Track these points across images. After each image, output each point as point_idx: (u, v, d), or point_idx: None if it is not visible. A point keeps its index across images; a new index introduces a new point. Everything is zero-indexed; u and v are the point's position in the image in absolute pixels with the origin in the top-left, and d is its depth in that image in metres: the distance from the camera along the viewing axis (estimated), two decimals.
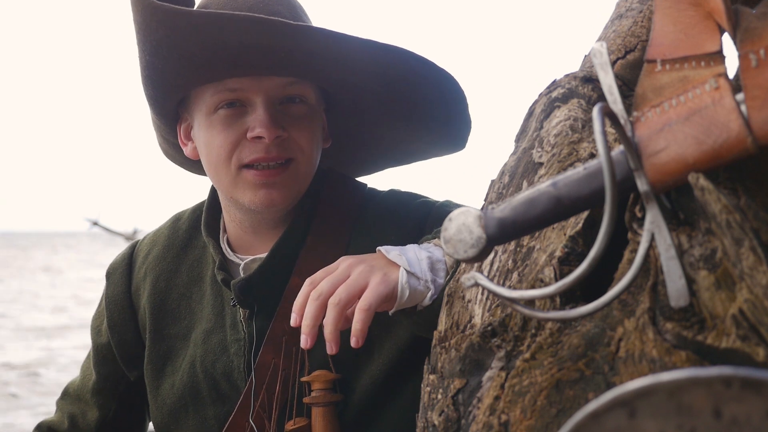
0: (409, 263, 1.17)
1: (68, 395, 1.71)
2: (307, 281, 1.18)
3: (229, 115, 1.35)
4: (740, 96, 0.71)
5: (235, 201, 1.41)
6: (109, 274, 1.64)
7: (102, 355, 1.63)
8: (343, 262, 1.18)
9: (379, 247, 1.21)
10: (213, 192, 1.55)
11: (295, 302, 1.17)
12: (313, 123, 1.40)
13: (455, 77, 1.37)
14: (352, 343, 1.12)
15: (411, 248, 1.22)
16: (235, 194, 1.39)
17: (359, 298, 1.13)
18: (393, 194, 1.55)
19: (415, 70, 1.35)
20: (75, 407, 1.68)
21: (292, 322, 1.17)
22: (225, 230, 1.52)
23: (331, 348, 1.14)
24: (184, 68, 1.31)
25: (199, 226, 1.55)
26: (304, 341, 1.15)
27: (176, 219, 1.64)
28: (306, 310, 1.15)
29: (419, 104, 1.44)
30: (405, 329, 1.36)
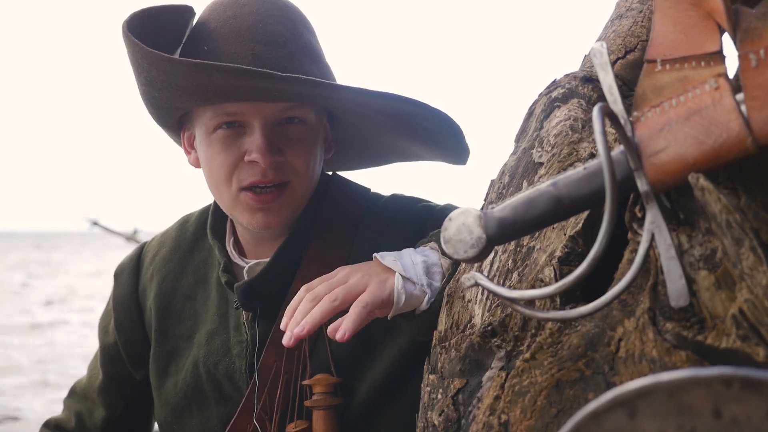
0: (404, 268, 1.17)
1: (75, 394, 1.72)
2: (303, 287, 1.18)
3: (228, 135, 1.36)
4: (740, 96, 0.71)
5: (235, 219, 1.43)
6: (117, 275, 1.65)
7: (109, 355, 1.64)
8: (341, 271, 1.19)
9: (375, 254, 1.22)
10: None
11: (288, 306, 1.17)
12: (311, 144, 1.41)
13: (449, 115, 1.39)
14: (338, 335, 1.10)
15: (407, 253, 1.22)
16: (234, 214, 1.41)
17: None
18: (395, 199, 1.55)
19: (411, 112, 1.37)
20: (82, 406, 1.69)
21: (282, 325, 1.16)
22: (231, 233, 1.53)
23: (302, 328, 1.11)
24: (180, 98, 1.34)
25: (206, 228, 1.55)
26: (287, 339, 1.13)
27: (184, 221, 1.65)
28: (299, 307, 1.15)
29: (419, 135, 1.46)
30: (405, 333, 1.36)
